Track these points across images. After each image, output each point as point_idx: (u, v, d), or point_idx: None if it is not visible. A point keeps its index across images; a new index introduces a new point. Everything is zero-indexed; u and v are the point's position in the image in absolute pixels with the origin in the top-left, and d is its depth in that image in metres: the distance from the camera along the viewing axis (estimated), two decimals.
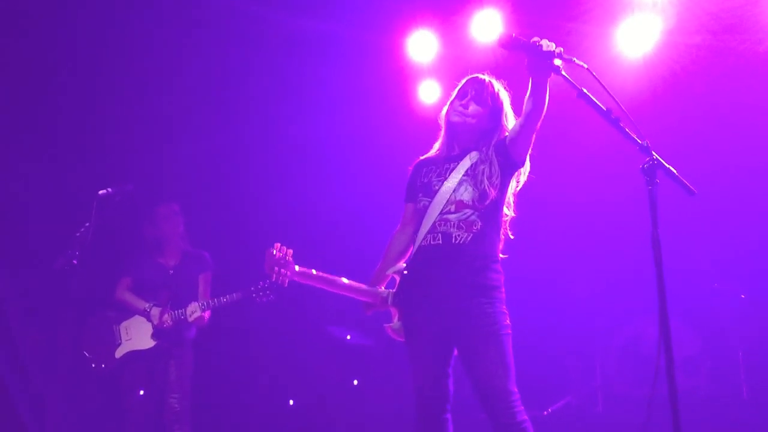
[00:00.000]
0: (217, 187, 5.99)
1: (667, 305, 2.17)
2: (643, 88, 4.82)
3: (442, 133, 3.12)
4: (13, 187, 5.35)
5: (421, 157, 3.15)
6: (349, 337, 6.10)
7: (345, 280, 3.03)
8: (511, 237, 3.02)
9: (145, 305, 4.67)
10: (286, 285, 2.98)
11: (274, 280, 2.94)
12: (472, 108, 3.00)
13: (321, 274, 3.00)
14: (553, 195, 5.10)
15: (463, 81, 3.09)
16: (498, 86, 3.05)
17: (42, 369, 5.11)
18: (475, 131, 3.01)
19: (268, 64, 5.62)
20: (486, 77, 3.07)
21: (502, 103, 3.02)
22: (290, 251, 2.94)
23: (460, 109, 3.01)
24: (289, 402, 6.25)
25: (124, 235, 5.12)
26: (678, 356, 2.18)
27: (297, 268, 2.95)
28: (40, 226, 5.32)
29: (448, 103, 3.10)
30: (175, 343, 4.67)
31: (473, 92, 3.02)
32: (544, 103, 2.70)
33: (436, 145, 3.13)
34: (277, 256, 2.92)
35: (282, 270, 2.91)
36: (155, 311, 4.63)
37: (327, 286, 3.05)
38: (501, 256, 2.97)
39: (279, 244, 2.93)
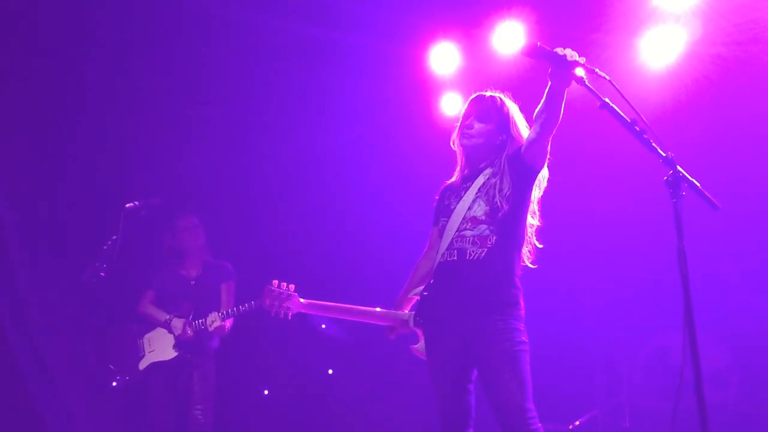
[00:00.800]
0: (238, 197, 6.04)
1: (693, 318, 2.14)
2: (666, 99, 4.77)
3: (458, 157, 3.14)
4: (41, 201, 5.44)
5: (447, 182, 3.17)
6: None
7: (358, 307, 3.01)
8: (540, 246, 2.99)
9: (166, 317, 4.72)
10: (289, 318, 2.99)
11: (273, 315, 2.95)
12: (477, 127, 3.00)
13: (330, 303, 3.01)
14: (577, 206, 5.06)
15: (466, 103, 3.10)
16: (501, 98, 3.04)
17: (68, 380, 5.16)
18: (485, 149, 3.01)
19: (291, 75, 5.66)
20: (487, 93, 3.07)
21: (508, 114, 3.01)
22: (292, 285, 2.96)
23: (466, 131, 3.02)
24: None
25: (149, 247, 5.18)
26: (707, 370, 2.14)
27: (302, 300, 2.96)
28: (67, 238, 5.40)
29: (456, 128, 3.11)
30: (197, 354, 4.71)
31: (475, 111, 3.03)
32: (560, 113, 2.69)
33: (457, 171, 3.15)
34: (275, 292, 2.94)
35: (284, 304, 2.93)
36: (176, 322, 4.67)
37: (339, 315, 3.05)
38: (531, 266, 2.95)
39: (277, 281, 2.96)
